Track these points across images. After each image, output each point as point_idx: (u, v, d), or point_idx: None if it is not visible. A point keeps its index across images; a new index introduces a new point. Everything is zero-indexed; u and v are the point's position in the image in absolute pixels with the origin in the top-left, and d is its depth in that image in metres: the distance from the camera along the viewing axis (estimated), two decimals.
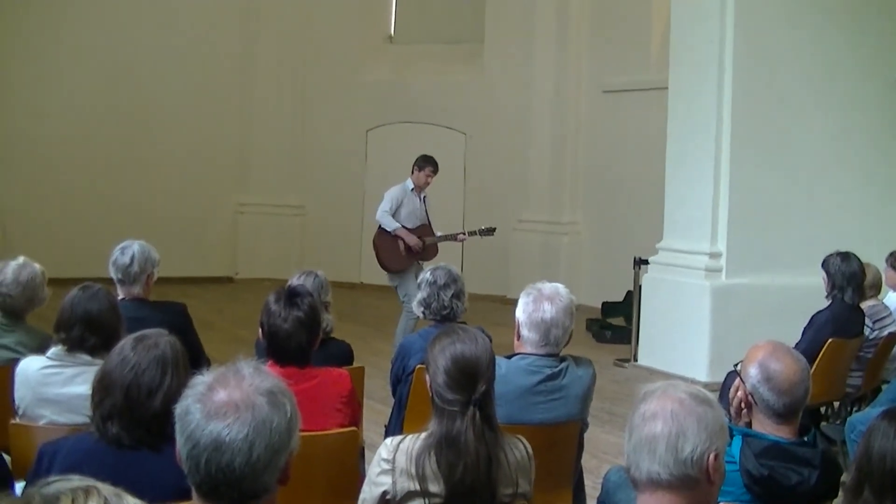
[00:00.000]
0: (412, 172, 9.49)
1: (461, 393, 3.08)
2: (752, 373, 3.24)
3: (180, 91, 14.51)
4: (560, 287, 4.23)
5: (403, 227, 9.33)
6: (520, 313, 4.17)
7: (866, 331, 6.69)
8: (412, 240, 9.26)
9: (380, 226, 9.47)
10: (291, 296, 3.96)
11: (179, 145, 14.54)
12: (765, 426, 3.25)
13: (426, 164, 9.45)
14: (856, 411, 6.66)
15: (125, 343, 3.09)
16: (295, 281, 4.99)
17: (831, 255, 6.67)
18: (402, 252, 9.31)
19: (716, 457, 2.37)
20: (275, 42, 15.18)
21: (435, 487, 3.05)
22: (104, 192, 13.97)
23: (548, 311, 4.09)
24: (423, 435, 3.11)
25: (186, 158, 14.64)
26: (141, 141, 14.24)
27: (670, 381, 2.53)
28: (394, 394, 5.20)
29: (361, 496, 3.23)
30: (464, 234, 10.03)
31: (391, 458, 3.11)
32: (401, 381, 5.05)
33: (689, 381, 2.73)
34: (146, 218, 13.19)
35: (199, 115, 14.70)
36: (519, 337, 4.19)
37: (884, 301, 7.19)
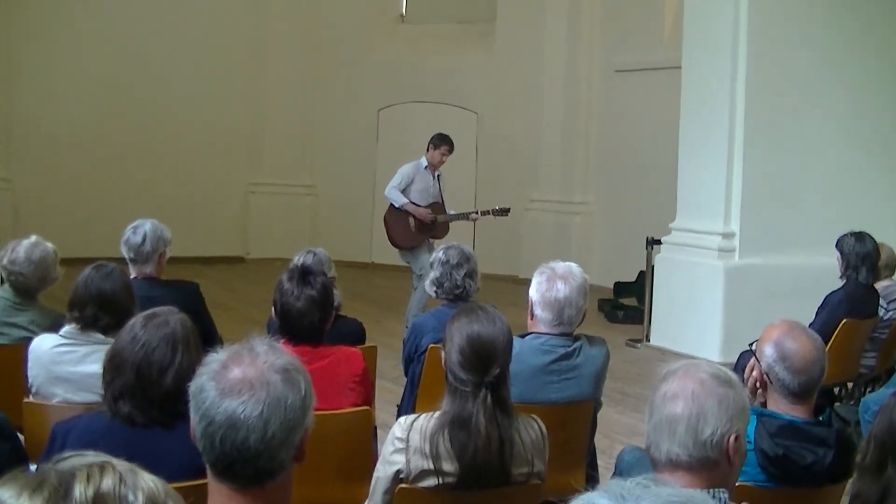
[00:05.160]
0: (427, 150, 9.47)
1: (474, 374, 3.08)
2: (768, 352, 3.22)
3: (192, 71, 14.49)
4: (573, 266, 4.22)
5: (413, 202, 9.31)
6: (533, 292, 4.16)
7: (881, 311, 6.65)
8: (422, 212, 9.24)
9: (390, 203, 9.45)
10: (304, 274, 3.96)
11: (191, 125, 14.51)
12: (780, 406, 3.24)
13: (442, 142, 9.42)
14: (869, 392, 6.64)
15: (135, 321, 3.08)
16: (297, 261, 5.01)
17: (845, 234, 6.63)
18: (412, 229, 9.29)
19: (736, 438, 2.36)
20: (286, 21, 15.13)
21: (449, 466, 3.05)
22: (116, 172, 13.96)
23: (561, 290, 4.08)
24: (437, 414, 3.11)
25: (198, 138, 14.61)
26: (152, 121, 14.21)
27: (693, 360, 2.51)
28: (406, 373, 5.20)
29: (375, 475, 3.23)
30: (476, 213, 10.02)
31: (405, 437, 3.11)
32: (413, 360, 5.06)
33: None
34: (158, 198, 13.19)
35: (211, 94, 14.67)
36: (532, 316, 4.19)
37: None
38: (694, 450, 2.33)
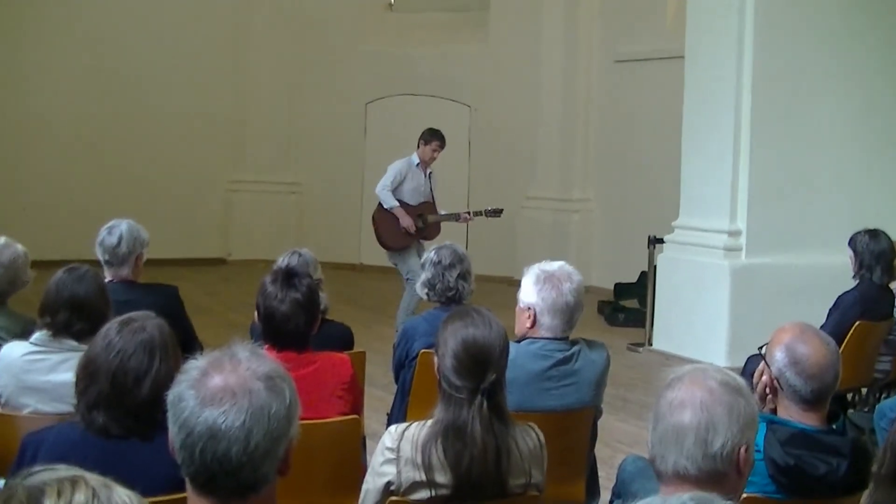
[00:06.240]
0: (417, 146, 9.48)
1: (469, 380, 3.07)
2: (778, 356, 3.21)
3: (170, 62, 14.42)
4: (567, 266, 4.22)
5: (405, 203, 9.31)
6: (536, 300, 4.12)
7: None
8: (406, 221, 9.23)
9: (379, 202, 9.45)
10: (289, 276, 3.95)
11: (169, 120, 14.46)
12: (791, 413, 3.23)
13: (433, 137, 9.42)
14: (884, 398, 6.63)
15: (110, 327, 3.07)
16: (281, 263, 5.00)
17: (858, 232, 6.63)
18: (401, 229, 9.29)
19: (746, 449, 2.35)
20: (269, 11, 15.10)
21: (442, 478, 3.03)
22: (91, 169, 13.91)
23: (569, 293, 4.08)
24: (430, 422, 3.10)
25: (177, 134, 14.56)
26: (129, 115, 14.16)
27: (699, 365, 2.50)
28: (396, 380, 5.19)
29: (364, 487, 3.22)
30: (468, 213, 10.00)
31: (396, 447, 3.10)
32: (404, 366, 5.04)
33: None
34: (135, 197, 13.14)
35: (191, 87, 14.62)
36: (534, 324, 4.15)
37: None
38: (703, 462, 2.32)
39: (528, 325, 4.17)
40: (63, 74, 13.79)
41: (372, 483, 3.17)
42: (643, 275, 11.07)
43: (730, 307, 9.31)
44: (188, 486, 2.14)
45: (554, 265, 4.21)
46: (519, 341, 4.12)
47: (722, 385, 2.38)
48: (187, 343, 4.54)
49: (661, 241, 10.15)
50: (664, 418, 2.37)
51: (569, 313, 4.09)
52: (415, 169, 9.44)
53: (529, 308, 4.15)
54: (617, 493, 3.87)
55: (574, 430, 4.19)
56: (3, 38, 13.53)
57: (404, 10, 15.42)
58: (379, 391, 6.96)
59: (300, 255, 5.25)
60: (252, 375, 2.11)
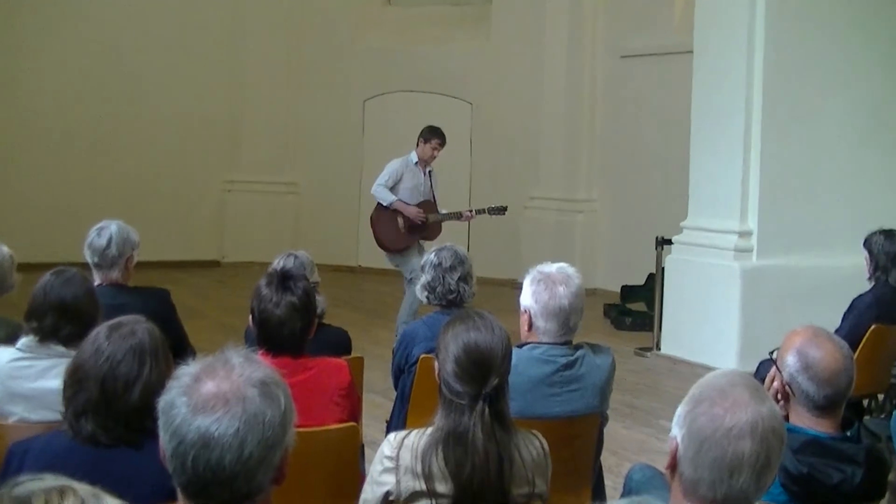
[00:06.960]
0: (417, 145, 9.47)
1: (471, 385, 3.06)
2: (790, 361, 3.20)
3: (164, 60, 14.43)
4: (567, 267, 4.20)
5: (402, 201, 9.29)
6: (531, 302, 4.11)
7: None
8: (412, 211, 9.23)
9: (377, 202, 9.44)
10: (284, 279, 3.94)
11: (162, 118, 14.46)
12: (803, 419, 3.22)
13: (433, 135, 9.41)
14: None
15: (99, 332, 3.06)
16: (276, 265, 5.00)
17: (874, 232, 6.62)
18: (401, 229, 9.28)
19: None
20: (265, 6, 15.11)
21: (442, 487, 3.02)
22: (80, 169, 13.90)
23: (564, 296, 4.06)
24: (430, 430, 3.09)
25: (170, 132, 14.55)
26: (121, 114, 14.16)
27: (742, 376, 2.46)
28: (396, 386, 5.19)
29: (363, 496, 3.21)
30: (470, 211, 10.00)
31: (395, 456, 3.09)
32: (404, 371, 5.05)
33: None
34: (126, 197, 13.16)
35: (185, 85, 14.62)
36: (531, 328, 4.15)
37: None
38: (753, 495, 2.33)
39: (526, 328, 4.17)
40: (57, 74, 13.78)
41: (370, 492, 3.16)
42: (650, 277, 11.07)
43: (740, 310, 9.30)
44: (180, 495, 2.13)
45: (552, 266, 4.19)
46: (521, 346, 4.12)
47: (772, 414, 2.37)
48: (179, 348, 4.53)
49: (669, 242, 10.14)
50: (719, 444, 2.32)
51: (563, 316, 4.06)
52: (413, 167, 9.43)
53: (526, 311, 4.15)
54: None
55: (579, 437, 4.18)
56: None
57: (403, 4, 15.41)
58: (378, 397, 6.96)
59: (296, 257, 5.26)
60: (246, 381, 2.11)
